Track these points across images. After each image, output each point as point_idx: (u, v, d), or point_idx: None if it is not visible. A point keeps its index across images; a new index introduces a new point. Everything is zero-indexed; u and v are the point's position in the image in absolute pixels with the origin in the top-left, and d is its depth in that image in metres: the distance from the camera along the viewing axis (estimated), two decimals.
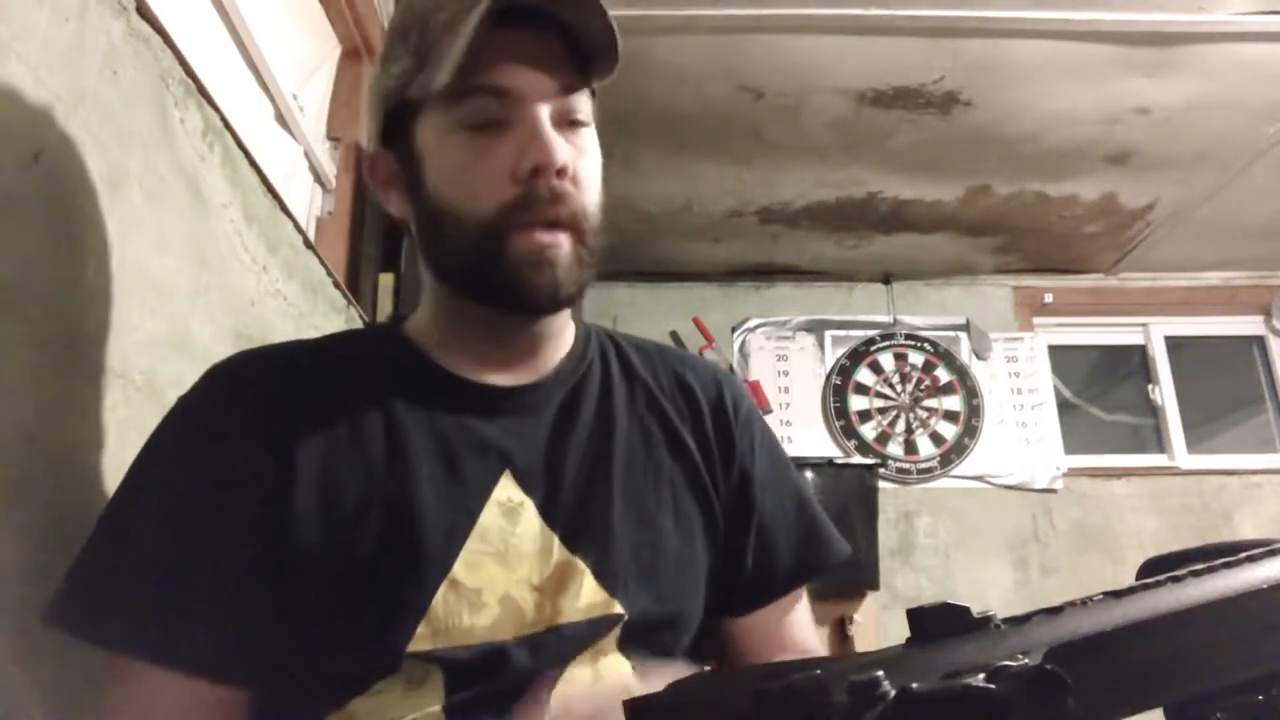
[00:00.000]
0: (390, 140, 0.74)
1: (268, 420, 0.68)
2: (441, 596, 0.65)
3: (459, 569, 0.66)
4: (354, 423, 0.70)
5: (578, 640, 0.67)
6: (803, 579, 0.81)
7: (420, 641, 0.64)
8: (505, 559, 0.68)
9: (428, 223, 0.72)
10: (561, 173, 0.67)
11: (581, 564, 0.69)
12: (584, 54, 0.70)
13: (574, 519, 0.71)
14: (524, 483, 0.71)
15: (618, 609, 0.69)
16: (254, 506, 0.65)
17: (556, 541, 0.70)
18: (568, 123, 0.70)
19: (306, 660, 0.65)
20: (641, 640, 0.70)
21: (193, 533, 0.65)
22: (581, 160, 0.70)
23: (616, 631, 0.69)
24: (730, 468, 0.79)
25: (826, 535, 0.83)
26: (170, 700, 0.62)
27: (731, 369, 3.23)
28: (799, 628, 0.82)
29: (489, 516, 0.69)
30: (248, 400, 0.69)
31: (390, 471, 0.68)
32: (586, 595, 0.68)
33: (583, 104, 0.71)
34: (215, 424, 0.69)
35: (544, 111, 0.68)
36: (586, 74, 0.71)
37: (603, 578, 0.69)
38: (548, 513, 0.70)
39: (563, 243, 0.68)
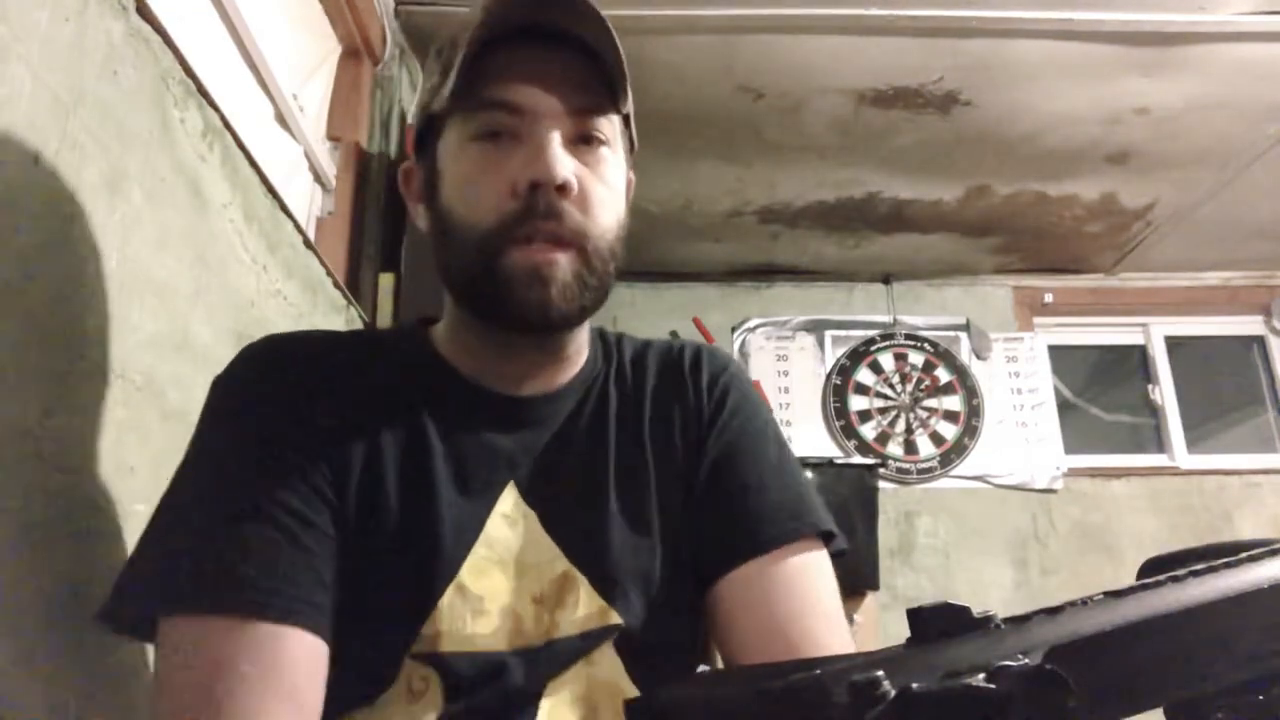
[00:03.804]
0: (420, 154, 0.76)
1: (307, 405, 0.68)
2: (448, 600, 0.65)
3: (465, 574, 0.67)
4: (383, 426, 0.70)
5: (571, 652, 0.68)
6: (784, 538, 0.73)
7: (422, 643, 0.64)
8: (509, 568, 0.69)
9: (439, 233, 0.73)
10: (564, 190, 0.67)
11: (579, 574, 0.70)
12: (609, 77, 0.70)
13: (573, 529, 0.71)
14: (528, 495, 0.72)
15: (615, 618, 0.69)
16: (301, 485, 0.64)
17: (557, 552, 0.70)
18: (583, 142, 0.70)
19: None
20: (638, 649, 0.70)
21: (245, 500, 0.62)
22: (592, 182, 0.70)
23: (612, 641, 0.69)
24: (704, 443, 0.78)
25: (810, 503, 0.76)
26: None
27: None
28: (799, 594, 0.72)
29: (494, 525, 0.70)
30: (289, 381, 0.69)
31: (412, 476, 0.69)
32: (584, 605, 0.69)
33: (603, 126, 0.71)
34: (264, 396, 0.68)
35: (554, 128, 0.68)
36: (611, 98, 0.71)
37: (600, 586, 0.69)
38: (549, 524, 0.71)
39: (560, 261, 0.67)
